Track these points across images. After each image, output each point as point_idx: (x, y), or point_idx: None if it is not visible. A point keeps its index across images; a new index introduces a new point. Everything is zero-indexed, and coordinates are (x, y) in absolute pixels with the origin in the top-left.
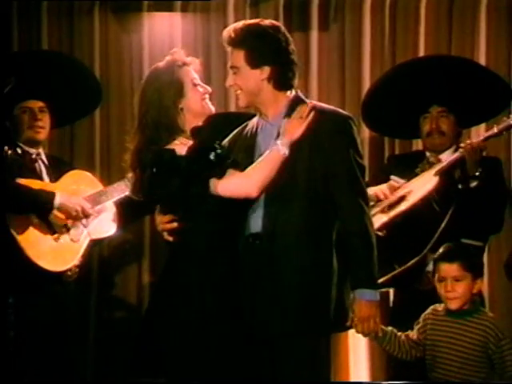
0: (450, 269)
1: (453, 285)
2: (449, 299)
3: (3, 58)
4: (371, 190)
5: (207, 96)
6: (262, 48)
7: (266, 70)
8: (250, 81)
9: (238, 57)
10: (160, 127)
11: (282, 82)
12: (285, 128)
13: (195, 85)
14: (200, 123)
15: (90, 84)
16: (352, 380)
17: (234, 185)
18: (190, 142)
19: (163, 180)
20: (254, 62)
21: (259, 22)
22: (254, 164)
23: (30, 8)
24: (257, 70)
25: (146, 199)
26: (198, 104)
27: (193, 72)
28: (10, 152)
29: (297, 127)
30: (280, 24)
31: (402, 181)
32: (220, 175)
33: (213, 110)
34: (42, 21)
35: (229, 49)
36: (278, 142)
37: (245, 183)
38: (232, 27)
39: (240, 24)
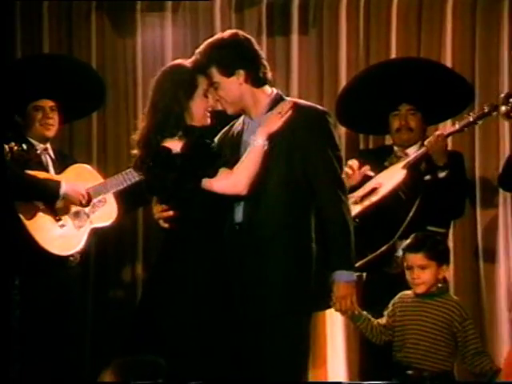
0: (415, 258)
1: (419, 272)
2: (415, 285)
3: (8, 59)
4: None
5: (210, 109)
6: (229, 56)
7: (241, 73)
8: (231, 89)
9: (213, 74)
10: (171, 114)
11: (258, 78)
12: (264, 122)
13: (205, 95)
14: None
15: (96, 85)
16: (329, 357)
17: (225, 184)
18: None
19: (159, 175)
20: (228, 71)
21: (218, 36)
22: (240, 162)
23: (32, 12)
24: (233, 77)
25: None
26: (199, 112)
27: (208, 83)
28: (19, 146)
29: (275, 121)
30: (237, 30)
31: (372, 173)
32: (212, 174)
33: (208, 122)
34: (43, 24)
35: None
36: (256, 136)
37: (234, 183)
38: (197, 52)
39: (201, 47)
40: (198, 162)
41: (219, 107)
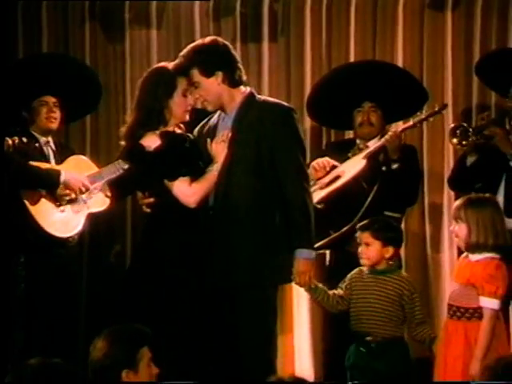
0: (362, 236)
1: (364, 248)
2: (361, 258)
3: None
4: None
5: (189, 108)
6: (209, 58)
7: (219, 74)
8: (210, 88)
9: (194, 74)
10: (152, 111)
11: (234, 79)
12: (212, 153)
13: (184, 95)
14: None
15: (94, 86)
16: (295, 325)
17: (182, 192)
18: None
19: (132, 167)
20: (208, 72)
21: (199, 41)
22: (199, 179)
23: (32, 19)
24: (212, 78)
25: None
26: (178, 110)
27: (187, 83)
28: (20, 139)
29: (222, 151)
30: (217, 37)
31: (337, 163)
32: (173, 177)
33: (187, 119)
34: (42, 31)
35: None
36: (213, 167)
37: (189, 194)
38: (180, 55)
39: (184, 50)
40: (164, 163)
41: (198, 106)
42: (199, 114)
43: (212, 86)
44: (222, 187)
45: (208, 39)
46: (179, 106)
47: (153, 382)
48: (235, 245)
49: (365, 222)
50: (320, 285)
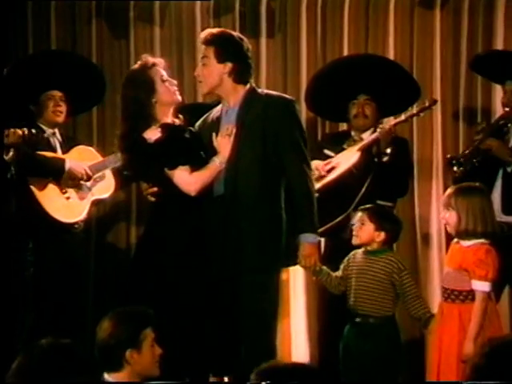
0: (360, 215)
1: (357, 227)
2: (353, 236)
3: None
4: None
5: (176, 88)
6: (228, 47)
7: (229, 65)
8: (214, 73)
9: (210, 51)
10: (139, 118)
11: (240, 77)
12: (218, 146)
13: (164, 81)
14: (172, 111)
15: (98, 81)
16: (292, 309)
17: (183, 180)
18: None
19: (135, 159)
20: (221, 58)
21: (230, 31)
22: (202, 169)
23: (41, 18)
24: (221, 65)
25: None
26: (168, 96)
27: (161, 70)
28: (30, 131)
29: (226, 145)
30: (243, 36)
31: (332, 154)
32: (172, 166)
33: (180, 99)
34: (50, 28)
35: (203, 47)
36: (217, 159)
37: (190, 182)
38: (208, 31)
39: (214, 30)
40: (163, 153)
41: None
42: (200, 110)
43: (216, 71)
44: (230, 176)
45: (238, 33)
46: (165, 94)
47: None
48: (244, 231)
49: (369, 205)
50: (324, 267)
